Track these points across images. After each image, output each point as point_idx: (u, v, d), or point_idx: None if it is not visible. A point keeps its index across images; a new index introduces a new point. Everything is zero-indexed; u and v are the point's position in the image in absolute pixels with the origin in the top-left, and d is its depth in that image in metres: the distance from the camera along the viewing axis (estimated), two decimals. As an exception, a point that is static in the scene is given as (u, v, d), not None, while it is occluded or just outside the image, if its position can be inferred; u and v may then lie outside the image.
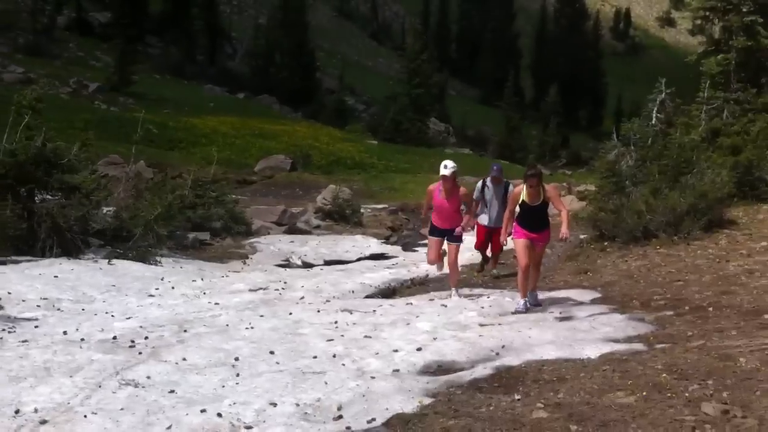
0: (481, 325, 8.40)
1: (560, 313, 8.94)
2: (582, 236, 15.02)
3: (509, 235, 9.32)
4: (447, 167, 9.63)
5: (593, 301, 9.55)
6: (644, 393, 5.62)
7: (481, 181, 12.63)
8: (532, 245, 9.16)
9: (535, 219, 9.09)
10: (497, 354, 7.13)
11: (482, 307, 9.40)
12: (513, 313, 8.94)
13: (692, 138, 18.18)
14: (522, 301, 9.16)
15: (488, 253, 12.82)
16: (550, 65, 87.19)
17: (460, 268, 11.22)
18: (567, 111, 77.09)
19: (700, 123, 20.37)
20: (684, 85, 23.36)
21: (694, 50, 22.91)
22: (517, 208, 9.29)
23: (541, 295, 10.12)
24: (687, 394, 5.41)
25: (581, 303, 9.53)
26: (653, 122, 18.67)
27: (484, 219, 12.31)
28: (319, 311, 9.21)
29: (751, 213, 14.30)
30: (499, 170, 12.41)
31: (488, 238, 12.47)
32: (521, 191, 9.08)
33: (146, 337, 7.66)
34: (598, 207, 14.43)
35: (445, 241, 10.13)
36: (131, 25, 49.52)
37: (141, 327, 8.12)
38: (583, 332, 7.82)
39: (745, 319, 7.63)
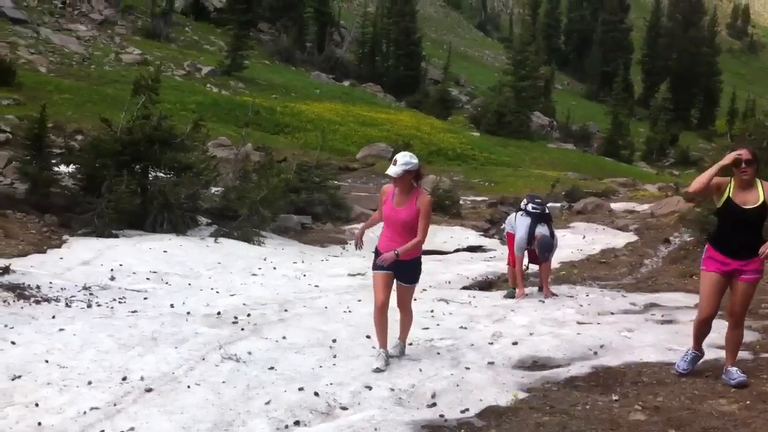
0: (579, 323, 8.28)
1: (662, 316, 8.71)
2: (689, 238, 14.55)
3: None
4: (397, 163, 6.36)
5: (697, 306, 9.25)
6: (747, 402, 5.45)
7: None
8: (727, 282, 5.92)
9: (744, 234, 5.76)
10: (595, 353, 7.03)
11: (581, 305, 9.25)
12: (677, 374, 6.21)
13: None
14: (690, 354, 6.28)
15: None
16: (663, 61, 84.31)
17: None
18: (677, 108, 74.39)
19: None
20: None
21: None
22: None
23: (643, 297, 9.87)
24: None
25: (685, 307, 9.25)
26: (771, 123, 17.86)
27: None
28: (415, 299, 9.22)
29: None
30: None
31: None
32: (725, 183, 5.79)
33: (249, 314, 7.90)
34: (706, 209, 13.93)
35: (399, 284, 6.70)
36: (245, 12, 50.71)
37: (244, 304, 8.39)
38: (685, 336, 7.56)
39: None
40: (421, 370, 6.37)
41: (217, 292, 9.04)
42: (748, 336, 7.52)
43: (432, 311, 8.58)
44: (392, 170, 6.32)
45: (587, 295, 10.01)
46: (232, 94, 42.70)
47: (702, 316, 6.02)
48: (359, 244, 6.89)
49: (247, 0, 52.42)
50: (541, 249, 9.86)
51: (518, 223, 9.96)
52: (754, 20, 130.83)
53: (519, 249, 9.90)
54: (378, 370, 6.25)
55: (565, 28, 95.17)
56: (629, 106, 73.06)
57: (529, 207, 9.96)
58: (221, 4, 58.24)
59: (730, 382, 5.73)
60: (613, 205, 24.18)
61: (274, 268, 10.82)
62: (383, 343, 6.53)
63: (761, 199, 5.66)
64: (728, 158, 5.63)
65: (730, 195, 5.70)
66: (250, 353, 6.54)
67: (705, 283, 5.98)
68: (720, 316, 6.27)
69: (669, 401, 5.58)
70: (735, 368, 5.83)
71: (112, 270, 9.45)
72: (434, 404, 5.68)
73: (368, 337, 7.29)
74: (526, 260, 10.21)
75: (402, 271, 6.55)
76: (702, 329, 6.08)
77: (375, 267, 6.54)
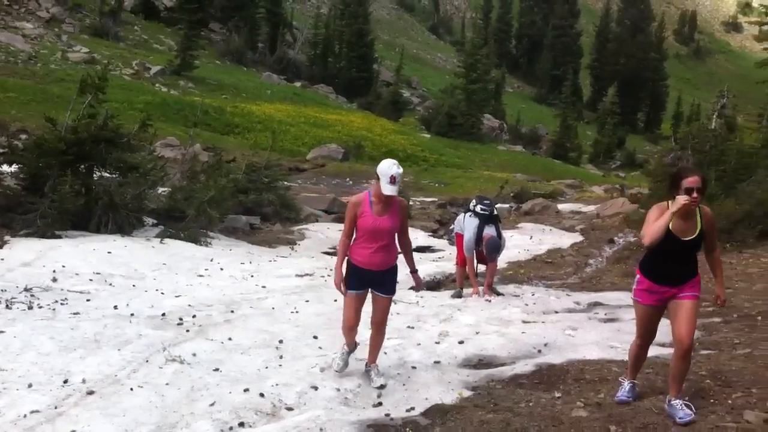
0: (525, 321, 8.38)
1: (605, 314, 8.86)
2: (633, 238, 14.83)
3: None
4: (395, 181, 5.87)
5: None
6: (686, 398, 5.56)
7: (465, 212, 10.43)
8: (663, 308, 5.42)
9: (681, 264, 5.29)
10: (539, 351, 7.13)
11: (527, 304, 9.37)
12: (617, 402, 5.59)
13: (752, 144, 17.82)
14: (627, 385, 5.69)
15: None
16: (611, 65, 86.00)
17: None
18: (624, 112, 75.97)
19: (762, 129, 19.93)
20: (747, 91, 22.90)
21: (761, 56, 22.39)
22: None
23: (587, 296, 10.03)
24: (730, 401, 5.34)
25: (628, 305, 9.39)
26: (713, 126, 18.32)
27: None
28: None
29: (809, 224, 13.92)
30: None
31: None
32: (661, 210, 5.26)
33: (194, 316, 7.82)
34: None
35: (376, 295, 6.15)
36: (196, 11, 50.17)
37: (189, 306, 8.29)
38: (628, 334, 7.70)
39: (795, 330, 7.48)
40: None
41: (162, 293, 8.92)
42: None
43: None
44: (392, 189, 5.84)
45: (533, 295, 10.14)
46: (181, 94, 42.25)
47: (639, 343, 5.61)
48: (344, 287, 6.03)
49: (197, -1, 51.86)
50: (488, 250, 9.94)
51: (467, 224, 10.03)
52: (701, 27, 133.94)
53: (468, 250, 9.98)
54: (337, 370, 6.17)
55: (517, 33, 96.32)
56: (578, 109, 74.34)
57: (478, 208, 10.03)
58: (171, 3, 57.62)
59: (675, 418, 5.08)
60: (560, 206, 24.53)
61: (221, 269, 10.72)
62: (350, 342, 6.25)
63: (699, 228, 5.21)
64: (678, 204, 5.07)
65: (670, 227, 5.17)
66: (194, 355, 6.48)
67: (640, 316, 5.51)
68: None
69: (610, 398, 5.67)
70: (680, 401, 5.23)
71: (54, 271, 9.26)
72: (380, 403, 5.70)
73: (315, 337, 7.29)
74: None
75: (384, 282, 6.10)
76: (639, 357, 5.66)
77: (351, 287, 6.03)
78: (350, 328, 6.15)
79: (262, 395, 5.64)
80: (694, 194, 5.07)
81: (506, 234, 11.44)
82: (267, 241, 14.46)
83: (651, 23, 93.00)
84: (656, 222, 5.19)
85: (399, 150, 41.26)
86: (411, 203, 22.47)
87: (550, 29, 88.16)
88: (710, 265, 5.42)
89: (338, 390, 5.87)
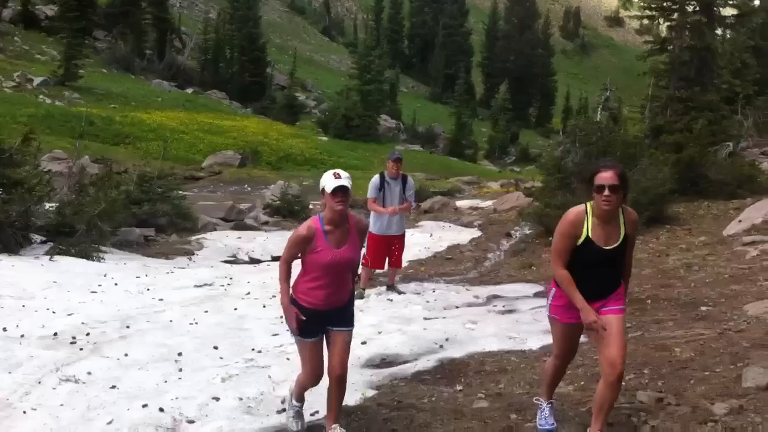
0: (426, 318, 8.48)
1: (504, 306, 9.07)
2: (528, 231, 15.22)
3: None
4: (341, 177, 4.67)
5: (536, 295, 9.70)
6: (582, 382, 5.76)
7: (378, 175, 10.27)
8: (579, 330, 4.73)
9: (605, 274, 4.51)
10: (441, 346, 7.22)
11: (427, 301, 9.48)
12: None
13: (636, 135, 18.57)
14: (546, 408, 4.97)
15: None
16: (501, 63, 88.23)
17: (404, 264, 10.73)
18: (516, 108, 78.01)
19: (645, 120, 20.82)
20: (631, 83, 23.91)
21: (642, 49, 23.37)
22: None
23: (486, 290, 10.24)
24: (623, 383, 5.53)
25: (525, 296, 9.68)
26: (598, 119, 19.00)
27: (379, 226, 10.05)
28: (264, 306, 9.18)
29: (691, 209, 14.64)
30: (400, 159, 10.12)
31: (386, 250, 10.17)
32: (580, 219, 4.44)
33: (88, 334, 7.56)
34: (544, 203, 14.61)
35: (334, 332, 4.93)
36: (78, 19, 48.48)
37: (83, 323, 8.01)
38: (525, 324, 7.96)
39: (682, 311, 7.85)
40: (270, 376, 6.32)
41: (54, 312, 8.57)
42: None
43: (282, 317, 8.48)
44: (341, 180, 4.62)
45: (434, 291, 10.26)
46: (67, 105, 40.78)
47: (557, 363, 4.86)
48: (297, 325, 4.83)
49: (79, 7, 50.11)
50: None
51: (369, 224, 10.08)
52: (585, 22, 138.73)
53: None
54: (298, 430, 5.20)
55: (408, 33, 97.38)
56: (472, 107, 75.82)
57: None
58: (52, 12, 55.46)
59: None
60: (459, 203, 24.95)
61: (116, 284, 10.39)
62: (301, 395, 5.25)
63: (622, 235, 4.43)
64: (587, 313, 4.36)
65: (589, 234, 4.37)
66: (89, 373, 6.28)
67: (559, 336, 4.74)
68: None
69: (510, 387, 5.81)
70: (549, 404, 4.85)
71: (-65, 296, 8.79)
72: (284, 410, 5.64)
73: (216, 348, 7.16)
74: None
75: (342, 313, 4.91)
76: (557, 376, 4.96)
77: (306, 334, 4.86)
78: (317, 377, 5.04)
79: (161, 410, 5.50)
80: (606, 192, 4.28)
81: (408, 233, 11.54)
82: (163, 253, 14.13)
83: (537, 20, 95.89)
84: (568, 287, 4.41)
85: (297, 154, 41.08)
86: (311, 207, 22.41)
87: (441, 28, 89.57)
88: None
89: (241, 399, 5.79)
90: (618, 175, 4.30)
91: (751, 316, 7.18)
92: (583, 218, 4.40)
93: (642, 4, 22.35)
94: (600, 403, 4.42)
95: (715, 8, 20.51)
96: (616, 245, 4.41)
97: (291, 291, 4.88)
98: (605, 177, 4.29)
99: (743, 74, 30.10)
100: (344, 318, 4.94)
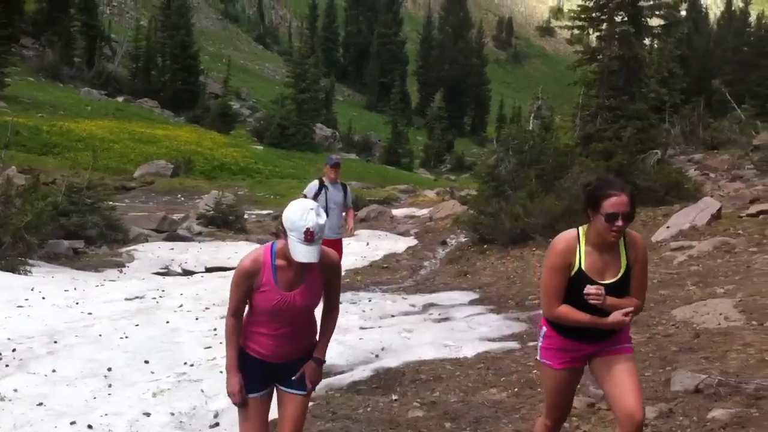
0: (362, 328, 8.46)
1: (439, 314, 9.11)
2: (464, 239, 15.35)
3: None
4: (314, 237, 3.48)
5: (471, 302, 9.78)
6: (516, 389, 5.81)
7: (317, 180, 9.84)
8: (581, 371, 3.92)
9: (604, 313, 3.58)
10: (377, 356, 7.21)
11: (363, 311, 9.46)
12: None
13: (567, 143, 18.95)
14: None
15: None
16: (436, 72, 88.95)
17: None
18: (451, 117, 78.77)
19: (575, 128, 21.24)
20: (562, 92, 24.27)
21: (572, 59, 23.83)
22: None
23: (422, 298, 10.28)
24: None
25: (460, 304, 9.75)
26: (530, 128, 19.31)
27: None
28: (197, 319, 9.04)
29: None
30: (338, 164, 9.84)
31: None
32: (571, 247, 3.65)
33: (14, 350, 7.34)
34: (478, 211, 14.77)
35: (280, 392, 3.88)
36: (4, 26, 47.04)
37: (8, 339, 7.77)
38: (460, 332, 8.00)
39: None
40: (203, 390, 6.21)
41: (-23, 328, 8.28)
42: (517, 327, 8.04)
43: (215, 329, 8.37)
44: (310, 253, 3.49)
45: (370, 301, 10.25)
46: (-8, 115, 39.49)
47: (549, 425, 4.03)
48: (242, 401, 3.81)
49: (6, 14, 48.65)
50: None
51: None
52: (518, 32, 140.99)
53: None
54: None
55: (343, 41, 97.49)
56: (407, 115, 76.26)
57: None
58: (-24, 17, 53.78)
59: None
60: (395, 212, 25.04)
61: (43, 298, 10.09)
62: None
63: (624, 266, 3.62)
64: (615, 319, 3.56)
65: (582, 265, 3.59)
66: (15, 390, 6.11)
67: (551, 385, 3.89)
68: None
69: (445, 395, 5.82)
70: None
71: None
72: (217, 424, 5.57)
73: (147, 362, 7.01)
74: None
75: (296, 371, 3.85)
76: None
77: (249, 389, 3.80)
78: None
79: (90, 427, 5.37)
80: (619, 222, 3.45)
81: (344, 242, 11.48)
82: (93, 265, 13.79)
83: (471, 30, 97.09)
84: (576, 316, 3.59)
85: (232, 163, 40.59)
86: (246, 217, 22.18)
87: (376, 37, 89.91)
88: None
89: (172, 414, 5.67)
90: (630, 199, 3.49)
91: (679, 320, 7.36)
92: (575, 246, 3.60)
93: (572, 14, 22.82)
94: None
95: (642, 19, 21.02)
96: (615, 279, 3.57)
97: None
98: (618, 203, 3.44)
99: (670, 83, 31.05)
100: (300, 378, 3.83)
